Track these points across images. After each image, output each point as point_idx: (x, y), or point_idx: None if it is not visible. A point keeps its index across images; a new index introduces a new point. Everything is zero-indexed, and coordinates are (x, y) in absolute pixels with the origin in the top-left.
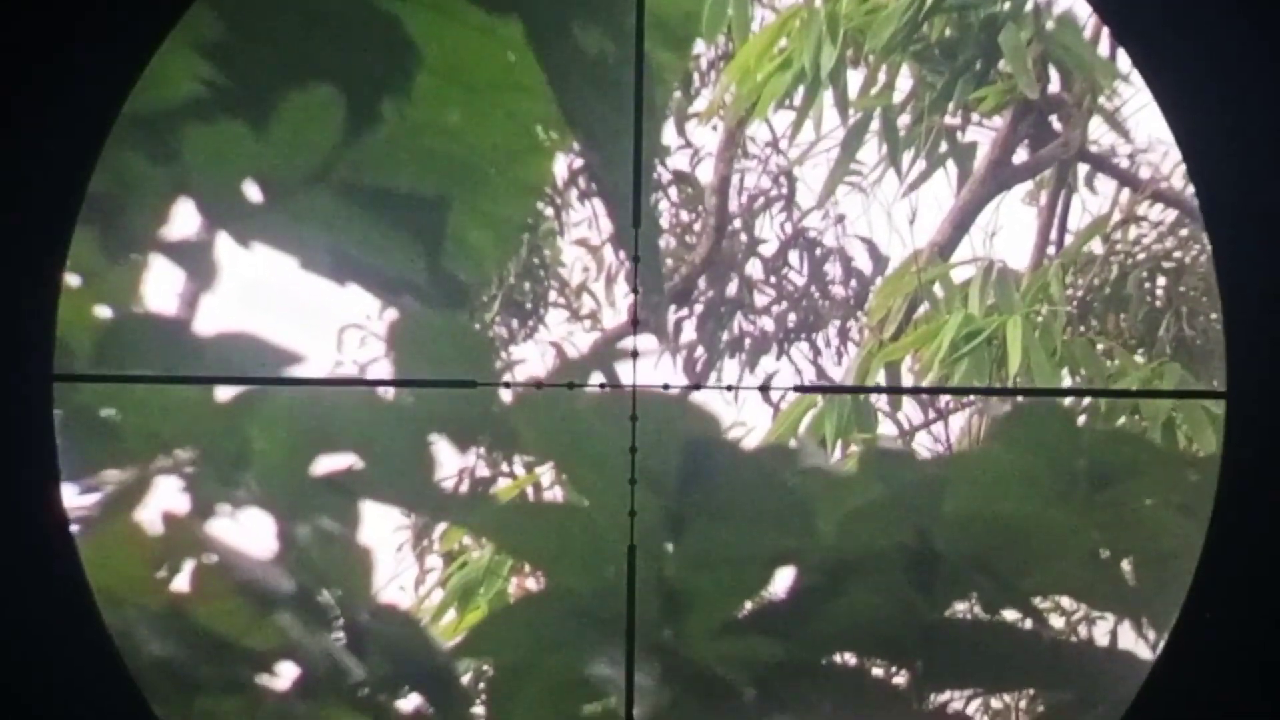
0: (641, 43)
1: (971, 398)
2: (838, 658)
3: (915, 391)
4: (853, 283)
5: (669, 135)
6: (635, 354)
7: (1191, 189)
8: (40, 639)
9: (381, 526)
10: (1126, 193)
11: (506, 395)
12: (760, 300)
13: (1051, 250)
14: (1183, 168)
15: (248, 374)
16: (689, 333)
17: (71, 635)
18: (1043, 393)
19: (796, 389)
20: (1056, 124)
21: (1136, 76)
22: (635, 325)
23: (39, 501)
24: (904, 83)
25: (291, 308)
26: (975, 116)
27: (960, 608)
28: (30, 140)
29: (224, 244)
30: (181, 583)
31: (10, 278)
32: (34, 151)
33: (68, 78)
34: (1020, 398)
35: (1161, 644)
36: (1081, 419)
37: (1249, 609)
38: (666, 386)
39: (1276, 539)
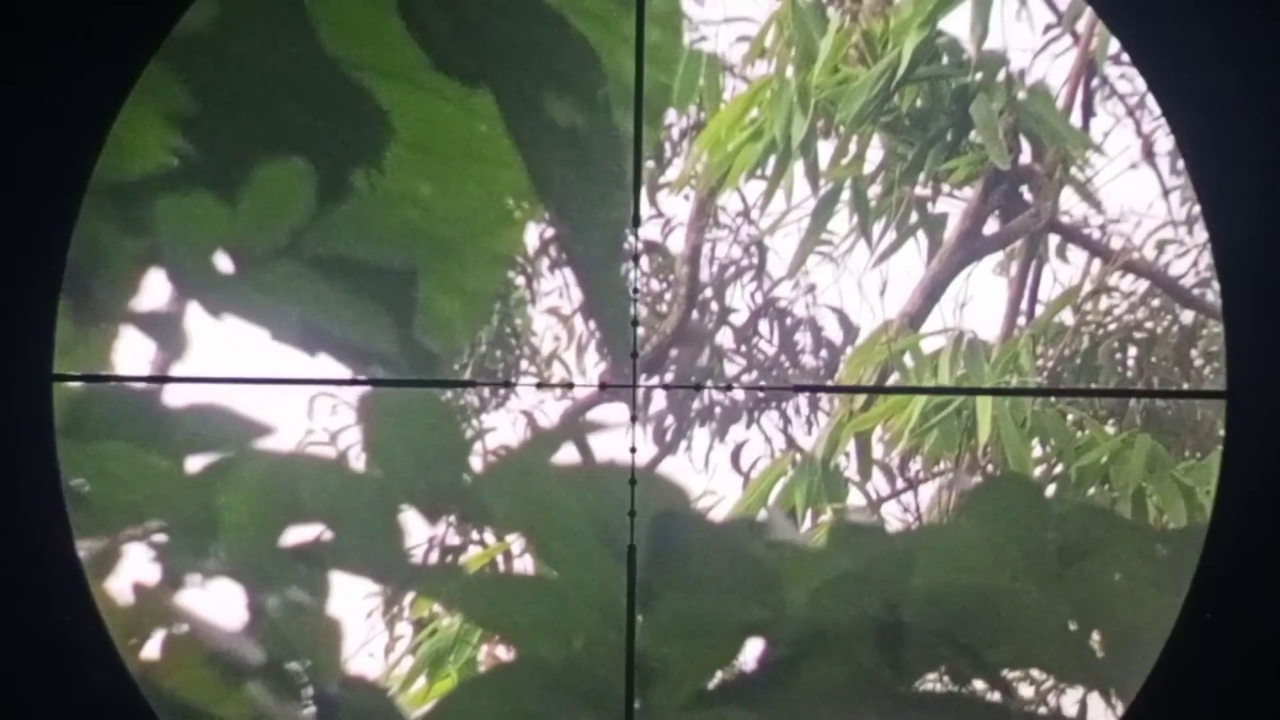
0: (641, 41)
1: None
2: None
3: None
4: (823, 352)
5: (641, 205)
6: (635, 355)
7: (1197, 207)
8: (38, 628)
9: (352, 593)
10: (1098, 263)
11: (477, 465)
12: (731, 369)
13: (1022, 321)
14: (1154, 239)
15: (219, 442)
16: (659, 402)
17: (68, 626)
18: (1051, 393)
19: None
20: (1028, 194)
21: (1113, 133)
22: (634, 325)
23: (39, 500)
24: (875, 153)
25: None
26: (946, 187)
27: (930, 679)
28: (33, 134)
29: (194, 314)
30: (152, 651)
31: (10, 277)
32: (36, 145)
33: (76, 59)
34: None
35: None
36: (1050, 489)
37: (1251, 608)
38: (667, 387)
39: (1278, 537)
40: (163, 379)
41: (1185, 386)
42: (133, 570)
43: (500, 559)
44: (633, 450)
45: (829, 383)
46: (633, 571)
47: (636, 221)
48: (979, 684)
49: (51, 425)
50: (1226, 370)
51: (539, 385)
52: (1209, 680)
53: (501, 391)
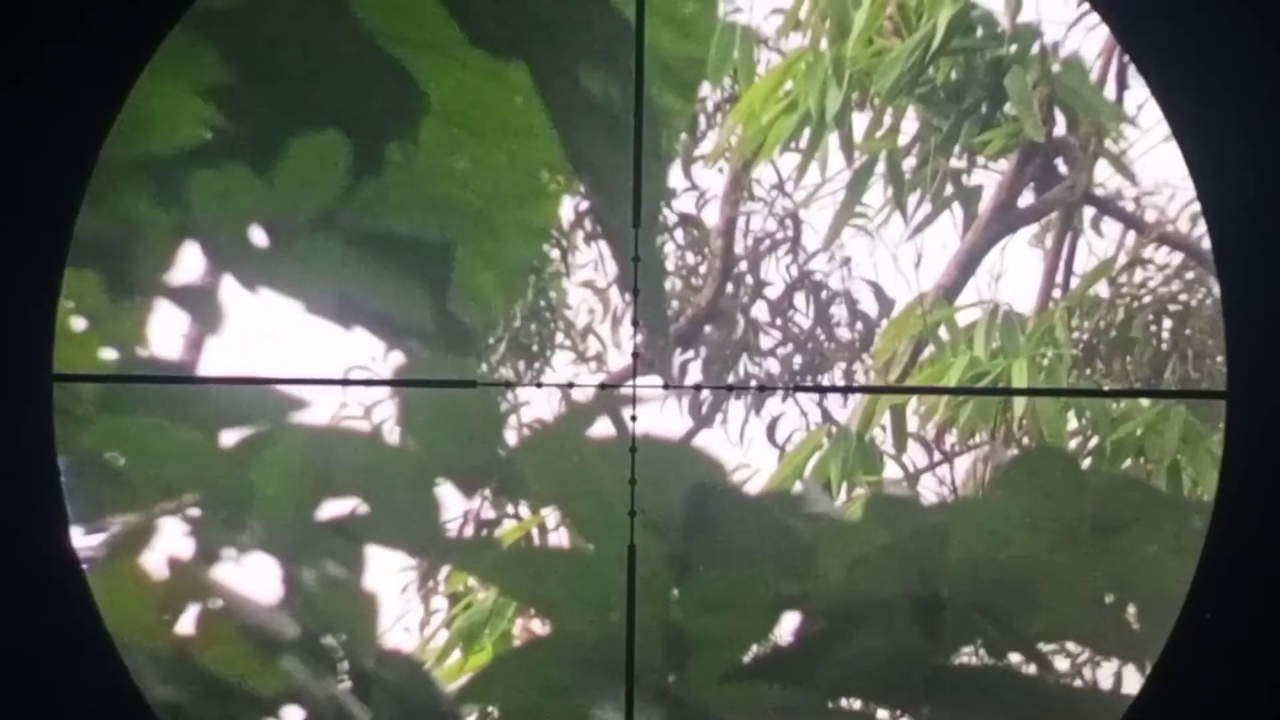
0: (641, 43)
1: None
2: (844, 703)
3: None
4: (858, 325)
5: (675, 178)
6: (635, 354)
7: (1202, 227)
8: (38, 630)
9: (387, 568)
10: (1132, 235)
11: (512, 439)
12: (765, 343)
13: (1057, 294)
14: (1189, 211)
15: (254, 417)
16: (694, 375)
17: (70, 630)
18: (1046, 392)
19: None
20: (1062, 167)
21: (1147, 106)
22: (635, 326)
23: (39, 498)
24: (910, 126)
25: (297, 351)
26: (981, 160)
27: (966, 652)
28: (29, 138)
29: (229, 288)
30: (187, 626)
31: (10, 277)
32: (33, 150)
33: (65, 73)
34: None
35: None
36: (1086, 462)
37: (1250, 608)
38: (667, 386)
39: (1278, 536)
40: (168, 379)
41: (1219, 360)
42: (167, 545)
43: (535, 532)
44: (632, 450)
45: (841, 382)
46: (633, 570)
47: (637, 222)
48: (1015, 657)
49: (51, 425)
50: (1227, 371)
51: (539, 385)
52: (1209, 680)
53: (536, 365)
